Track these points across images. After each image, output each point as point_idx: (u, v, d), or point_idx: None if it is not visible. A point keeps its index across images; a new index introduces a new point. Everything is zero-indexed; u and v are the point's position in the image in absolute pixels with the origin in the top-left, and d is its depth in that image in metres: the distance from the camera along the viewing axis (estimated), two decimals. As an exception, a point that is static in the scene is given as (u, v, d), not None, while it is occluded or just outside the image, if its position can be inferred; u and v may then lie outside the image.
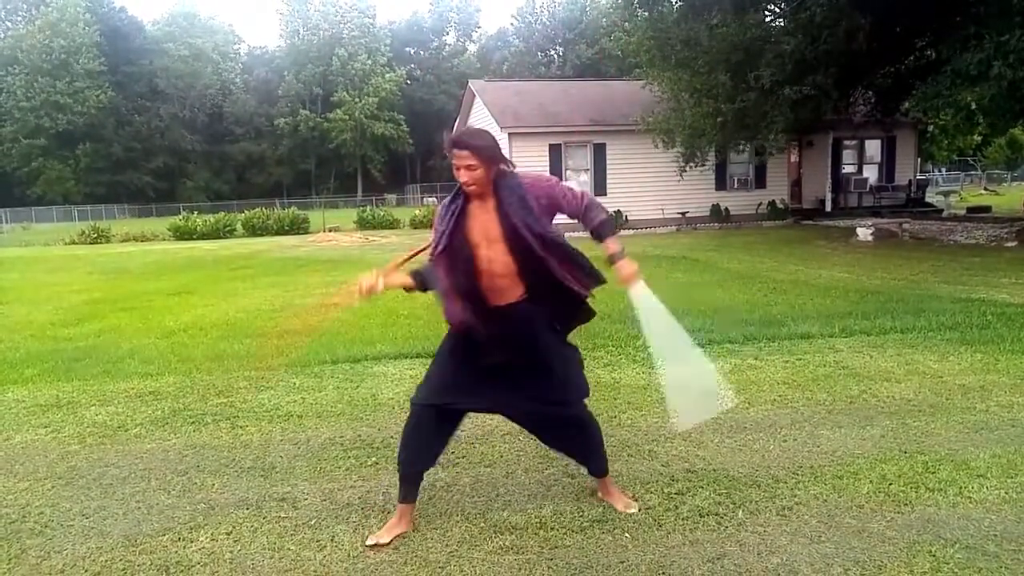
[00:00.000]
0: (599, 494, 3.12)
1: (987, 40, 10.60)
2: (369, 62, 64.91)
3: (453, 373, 2.87)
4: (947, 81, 11.45)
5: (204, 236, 24.50)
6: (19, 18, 61.31)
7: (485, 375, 2.84)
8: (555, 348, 2.91)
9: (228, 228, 25.30)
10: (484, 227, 2.72)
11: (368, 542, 2.78)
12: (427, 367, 3.03)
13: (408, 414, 2.93)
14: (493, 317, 2.78)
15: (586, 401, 3.03)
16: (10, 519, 3.13)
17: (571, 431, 3.02)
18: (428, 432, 2.89)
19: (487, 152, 2.69)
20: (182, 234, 24.56)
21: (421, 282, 2.84)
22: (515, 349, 2.83)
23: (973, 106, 10.81)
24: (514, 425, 3.18)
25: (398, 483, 2.93)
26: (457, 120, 25.10)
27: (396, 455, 2.98)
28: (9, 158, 56.73)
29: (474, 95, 22.39)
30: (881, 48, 14.35)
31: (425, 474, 2.99)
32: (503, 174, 2.76)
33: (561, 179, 19.71)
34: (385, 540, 2.79)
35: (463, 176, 2.70)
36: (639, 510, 3.00)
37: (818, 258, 11.78)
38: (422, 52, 76.46)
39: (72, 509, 3.21)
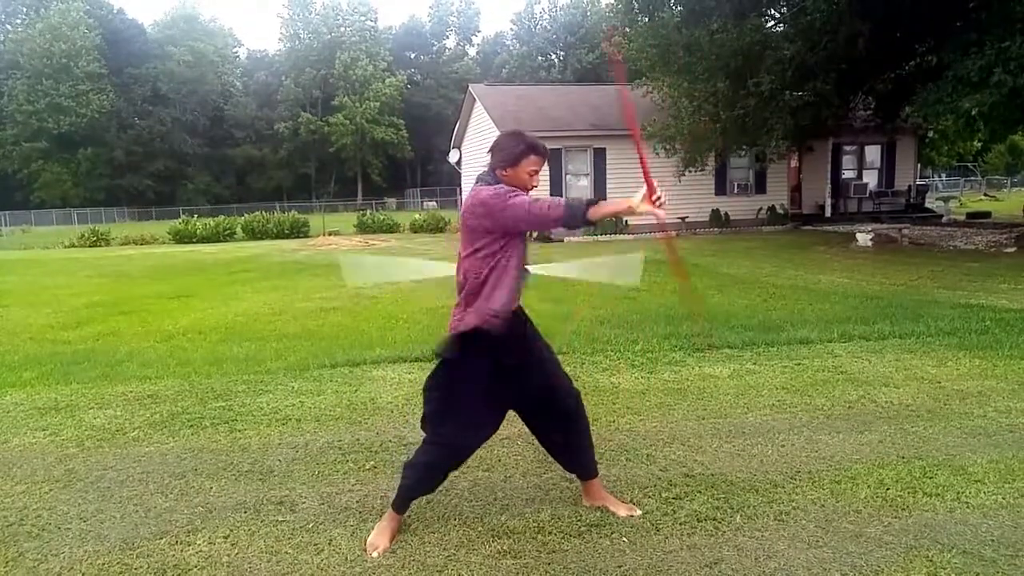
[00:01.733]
0: (585, 501, 3.10)
1: (988, 46, 10.62)
2: (370, 67, 65.04)
3: (488, 407, 2.88)
4: (948, 87, 11.45)
5: (204, 239, 24.51)
6: (19, 21, 61.32)
7: (505, 391, 2.88)
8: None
9: (228, 231, 25.31)
10: None
11: (373, 555, 2.75)
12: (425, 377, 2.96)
13: (438, 449, 2.86)
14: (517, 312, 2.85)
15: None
16: (7, 522, 3.13)
17: (563, 421, 3.01)
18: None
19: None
20: (182, 237, 24.57)
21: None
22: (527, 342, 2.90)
23: (974, 113, 10.81)
24: (512, 429, 3.17)
25: (397, 497, 2.90)
26: (457, 124, 25.14)
27: (404, 474, 2.92)
28: (9, 160, 56.78)
29: (474, 99, 22.44)
30: (881, 54, 14.36)
31: None
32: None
33: (561, 182, 19.80)
34: (387, 545, 2.80)
35: (536, 181, 2.81)
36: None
37: (817, 263, 11.79)
38: (422, 56, 76.58)
39: (69, 512, 3.21)
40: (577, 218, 2.52)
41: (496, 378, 2.79)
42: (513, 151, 2.75)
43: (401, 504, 2.90)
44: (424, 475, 2.89)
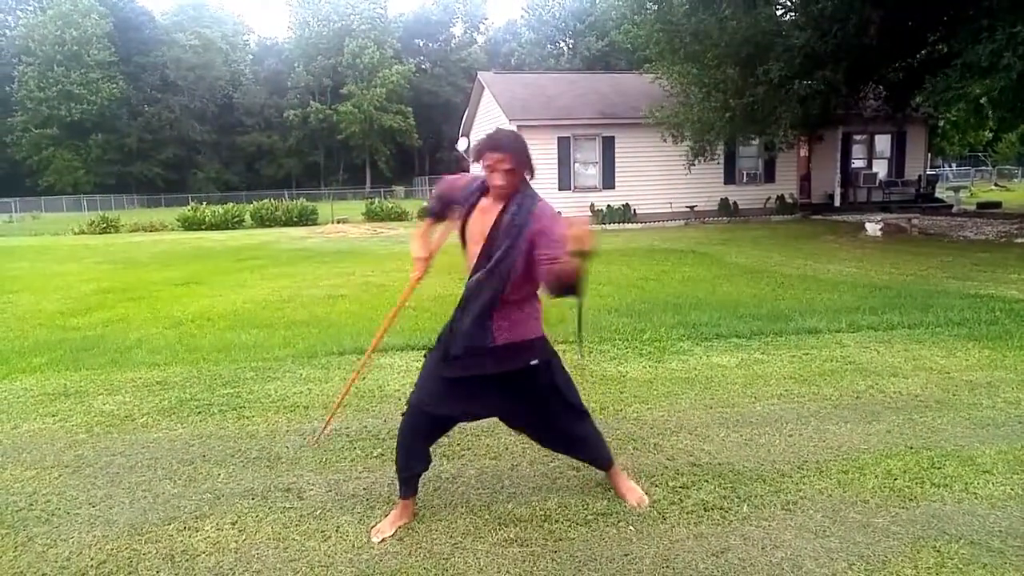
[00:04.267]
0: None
1: (999, 32, 10.50)
2: (377, 54, 64.83)
3: (445, 385, 2.76)
4: (957, 74, 11.34)
5: (213, 227, 24.55)
6: (30, 8, 61.34)
7: (478, 385, 2.76)
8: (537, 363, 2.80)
9: (237, 219, 25.32)
10: (483, 226, 2.68)
11: (375, 539, 2.78)
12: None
13: (405, 415, 2.87)
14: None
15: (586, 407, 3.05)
16: (17, 507, 3.15)
17: (569, 439, 3.02)
18: (425, 435, 2.89)
19: (522, 157, 2.66)
20: (191, 225, 24.60)
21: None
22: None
23: (983, 99, 10.68)
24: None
25: (398, 482, 2.93)
26: (466, 112, 25.07)
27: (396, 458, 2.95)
28: (19, 147, 56.93)
29: (483, 87, 22.34)
30: (892, 42, 14.20)
31: (431, 465, 3.00)
32: (526, 185, 2.72)
33: (570, 170, 19.66)
34: (389, 532, 2.81)
35: (498, 180, 2.63)
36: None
37: (826, 253, 11.72)
38: (431, 44, 76.27)
39: (78, 498, 3.23)
40: None
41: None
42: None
43: (403, 485, 2.90)
44: (401, 438, 2.89)
